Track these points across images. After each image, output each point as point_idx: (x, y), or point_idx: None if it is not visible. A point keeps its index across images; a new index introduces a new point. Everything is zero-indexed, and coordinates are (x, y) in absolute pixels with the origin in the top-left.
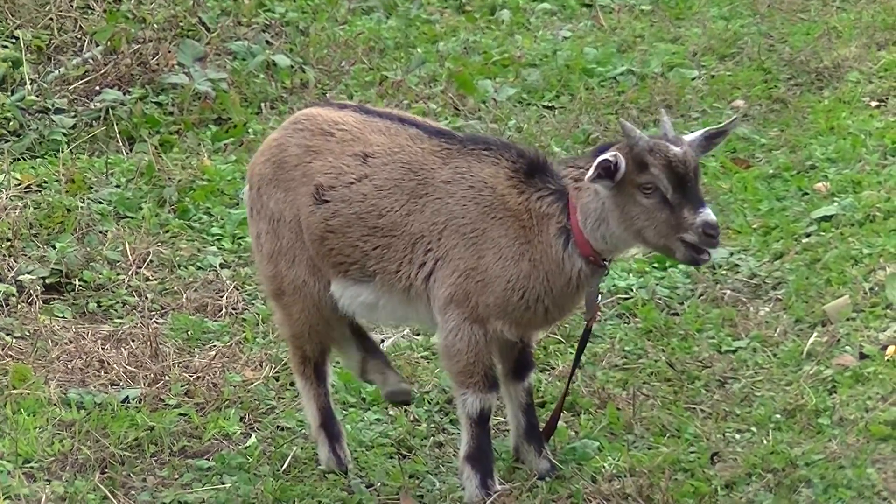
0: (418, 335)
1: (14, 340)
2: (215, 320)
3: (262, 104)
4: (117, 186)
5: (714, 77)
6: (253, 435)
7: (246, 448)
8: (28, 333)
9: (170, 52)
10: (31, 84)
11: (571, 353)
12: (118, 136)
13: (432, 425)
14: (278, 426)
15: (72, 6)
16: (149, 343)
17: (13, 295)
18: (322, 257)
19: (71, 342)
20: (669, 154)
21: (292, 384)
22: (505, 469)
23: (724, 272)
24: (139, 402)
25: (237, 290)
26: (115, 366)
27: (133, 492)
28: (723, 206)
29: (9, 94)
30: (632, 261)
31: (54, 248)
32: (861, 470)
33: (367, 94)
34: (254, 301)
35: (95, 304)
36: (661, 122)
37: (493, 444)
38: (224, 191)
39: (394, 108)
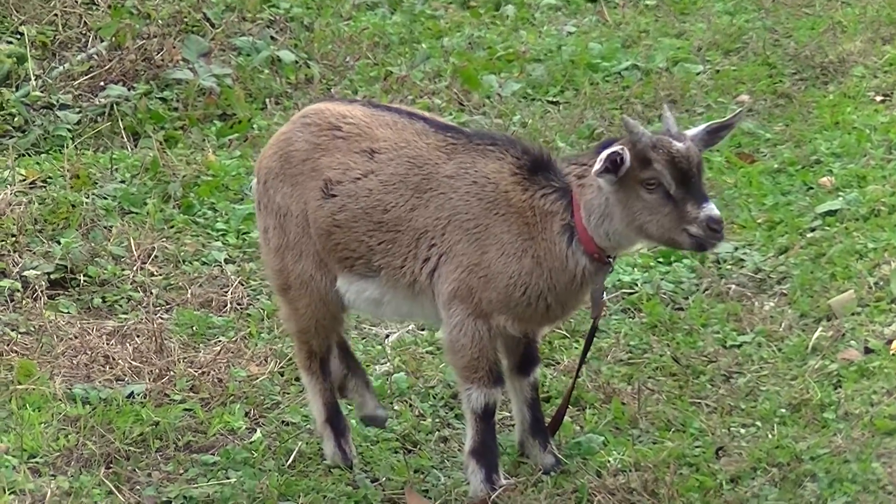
0: (423, 330)
1: (19, 336)
2: (220, 315)
3: (267, 100)
4: (122, 182)
5: (719, 72)
6: (258, 430)
7: (251, 443)
8: (33, 329)
9: (174, 47)
10: (35, 80)
11: (576, 347)
12: (123, 131)
13: (437, 420)
14: (283, 421)
15: (76, 2)
16: (154, 338)
17: (18, 290)
18: (328, 252)
19: (76, 337)
20: (672, 150)
21: (297, 379)
22: (510, 464)
23: (728, 267)
24: (144, 398)
25: (242, 285)
26: (120, 361)
27: (138, 487)
28: (727, 200)
29: (13, 89)
30: (637, 255)
31: (59, 243)
32: (866, 464)
33: (372, 90)
34: (259, 296)
35: (100, 300)
36: (664, 117)
37: (499, 438)
38: (229, 186)
39: (401, 104)
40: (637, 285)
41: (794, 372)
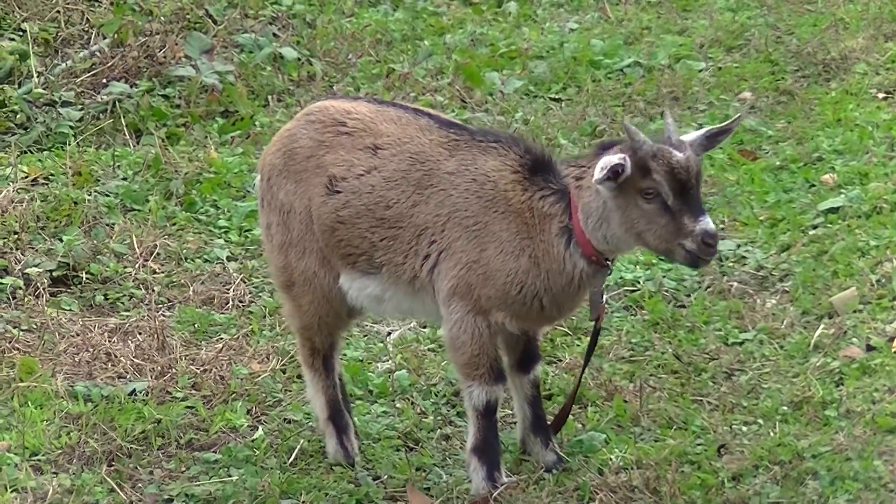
0: (425, 328)
1: (21, 333)
2: (222, 313)
3: (269, 97)
4: (124, 179)
5: (721, 69)
6: (260, 427)
7: (253, 441)
8: (35, 326)
9: (177, 44)
10: (38, 77)
11: (578, 345)
12: (125, 128)
13: (439, 418)
14: (285, 419)
15: None
16: (156, 336)
17: (20, 288)
18: (332, 248)
19: (78, 335)
20: (672, 160)
21: (299, 377)
22: (512, 461)
23: (730, 264)
24: (146, 395)
25: (244, 282)
26: (121, 358)
27: (140, 484)
28: (730, 197)
29: (16, 86)
30: (639, 253)
31: (61, 240)
32: (868, 462)
33: (374, 87)
34: (260, 294)
35: (102, 297)
36: (665, 123)
37: (500, 436)
38: (231, 183)
39: (403, 102)
40: (639, 283)
41: (796, 369)
